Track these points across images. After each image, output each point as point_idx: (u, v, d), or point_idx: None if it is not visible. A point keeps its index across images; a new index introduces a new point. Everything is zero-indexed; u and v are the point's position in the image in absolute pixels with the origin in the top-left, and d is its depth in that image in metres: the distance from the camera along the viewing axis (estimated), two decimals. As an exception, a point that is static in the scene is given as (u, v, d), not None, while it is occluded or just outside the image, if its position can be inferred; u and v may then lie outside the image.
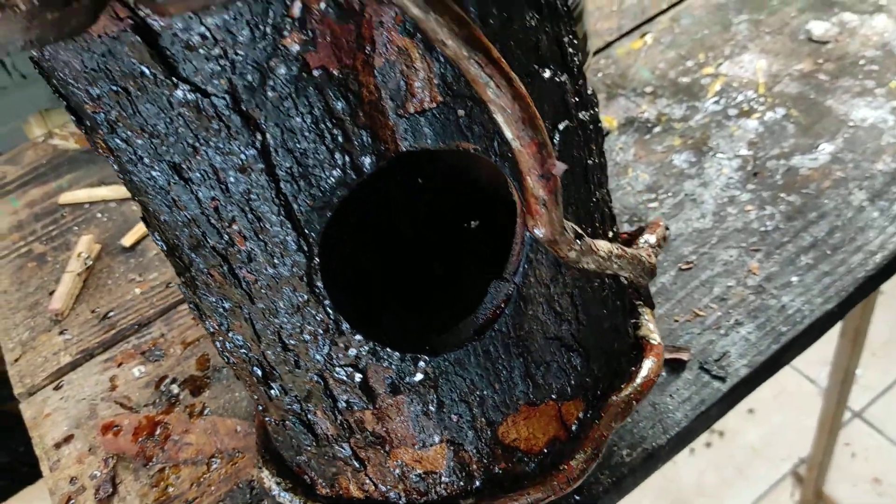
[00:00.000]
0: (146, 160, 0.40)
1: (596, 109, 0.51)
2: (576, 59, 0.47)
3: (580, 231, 0.45)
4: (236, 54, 0.35)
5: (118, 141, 0.40)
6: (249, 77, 0.36)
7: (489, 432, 0.52)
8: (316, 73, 0.36)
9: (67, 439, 0.70)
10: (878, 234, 0.66)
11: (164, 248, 0.47)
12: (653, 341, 0.59)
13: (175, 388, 0.71)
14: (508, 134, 0.36)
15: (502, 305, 0.48)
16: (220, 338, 0.51)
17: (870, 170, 0.71)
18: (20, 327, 0.80)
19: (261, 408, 0.56)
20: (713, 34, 0.88)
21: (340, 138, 0.38)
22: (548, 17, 0.43)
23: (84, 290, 0.81)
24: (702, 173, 0.75)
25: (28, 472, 1.43)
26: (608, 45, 0.91)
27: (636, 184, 0.76)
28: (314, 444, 0.53)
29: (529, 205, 0.40)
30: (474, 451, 0.52)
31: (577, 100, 0.47)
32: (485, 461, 0.53)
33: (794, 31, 0.86)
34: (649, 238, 0.61)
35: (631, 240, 0.64)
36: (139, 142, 0.39)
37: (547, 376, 0.52)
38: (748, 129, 0.77)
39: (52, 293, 0.81)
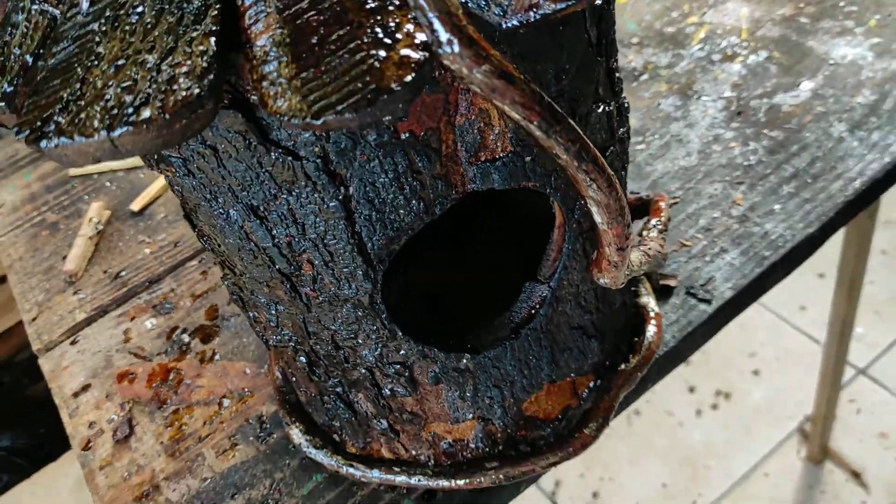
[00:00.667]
0: (221, 200, 0.42)
1: (628, 121, 0.53)
2: (620, 80, 0.50)
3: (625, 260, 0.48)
4: None
5: (193, 182, 0.42)
6: (342, 144, 0.38)
7: (515, 409, 0.55)
8: (403, 136, 0.38)
9: (85, 388, 0.73)
10: (858, 161, 0.68)
11: (214, 251, 0.49)
12: (651, 310, 0.62)
13: (186, 338, 0.74)
14: (599, 219, 0.39)
15: (538, 306, 0.51)
16: (263, 326, 0.53)
17: (850, 103, 0.73)
18: (36, 290, 0.83)
19: (294, 380, 0.58)
20: (697, -15, 0.91)
21: (418, 188, 0.41)
22: (605, 54, 0.45)
23: (96, 252, 0.84)
24: (687, 115, 0.77)
25: (46, 454, 1.47)
26: (595, 0, 0.93)
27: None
28: (353, 417, 0.56)
29: (601, 262, 0.44)
30: (500, 424, 0.55)
31: (618, 119, 0.50)
32: (508, 431, 0.56)
33: (776, -22, 0.88)
34: (657, 223, 0.62)
35: (635, 209, 0.66)
36: (218, 186, 0.41)
37: (569, 360, 0.55)
38: (732, 73, 0.80)
39: (65, 257, 0.84)
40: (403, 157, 0.39)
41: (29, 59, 0.35)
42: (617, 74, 0.48)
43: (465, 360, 0.50)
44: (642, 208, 0.64)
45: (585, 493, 1.52)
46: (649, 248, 0.53)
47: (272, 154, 0.38)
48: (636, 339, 0.60)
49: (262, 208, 0.41)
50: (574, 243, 0.49)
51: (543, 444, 0.57)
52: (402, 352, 0.49)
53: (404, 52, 0.30)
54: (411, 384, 0.51)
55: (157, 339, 0.75)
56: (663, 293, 0.65)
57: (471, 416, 0.54)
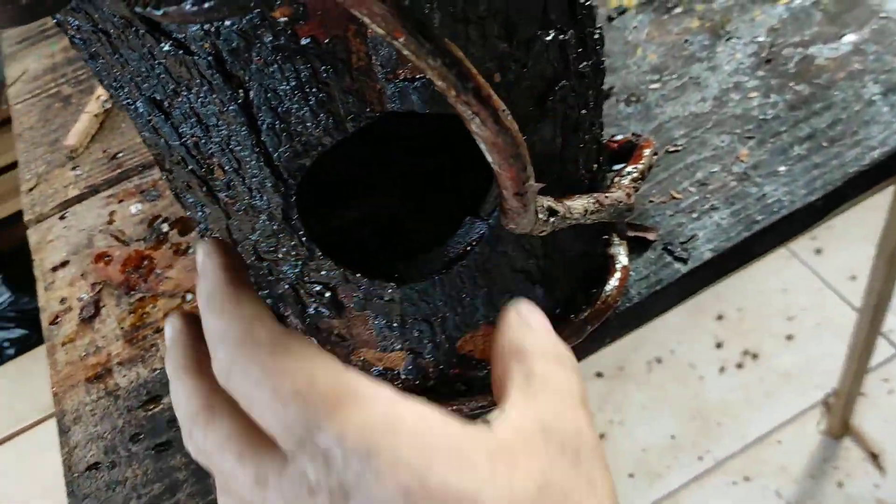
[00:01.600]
0: (126, 90, 0.40)
1: (599, 54, 0.48)
2: (587, 6, 0.45)
3: (554, 206, 0.44)
4: (221, 22, 0.33)
5: (96, 66, 0.40)
6: (234, 43, 0.34)
7: (447, 346, 0.53)
8: (304, 41, 0.35)
9: (64, 264, 0.74)
10: (883, 129, 0.62)
11: (145, 143, 0.47)
12: (619, 263, 0.58)
13: (165, 227, 0.74)
14: (490, 159, 0.35)
15: (473, 243, 0.48)
16: (199, 227, 0.52)
17: (891, 63, 0.66)
18: (39, 161, 0.84)
19: None
20: (758, -86, 0.82)
21: (326, 100, 0.37)
22: None
23: (99, 131, 0.85)
24: (713, 57, 0.71)
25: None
26: (645, -80, 0.86)
27: (643, 64, 0.72)
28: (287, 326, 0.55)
29: (504, 209, 0.40)
30: (432, 359, 0.53)
31: (581, 50, 0.45)
32: (441, 367, 0.54)
33: (847, -86, 0.79)
34: (632, 171, 0.57)
35: (620, 153, 0.61)
36: (120, 75, 0.39)
37: (508, 303, 0.52)
38: (772, 15, 0.73)
39: (70, 131, 0.84)
40: (306, 65, 0.36)
41: None
42: (583, 0, 0.44)
43: (389, 291, 0.48)
44: (627, 152, 0.60)
45: (592, 432, 1.51)
46: (607, 196, 0.49)
47: (163, 45, 0.36)
48: (594, 290, 0.57)
49: (165, 103, 0.39)
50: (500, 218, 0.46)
51: (478, 382, 0.55)
52: (323, 272, 0.47)
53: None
54: (336, 307, 0.50)
55: (138, 225, 0.75)
56: (639, 246, 0.61)
57: (399, 346, 0.53)
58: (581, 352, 0.59)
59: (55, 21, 0.39)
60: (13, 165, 1.65)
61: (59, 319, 0.70)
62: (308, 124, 0.39)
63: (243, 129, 0.39)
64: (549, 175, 0.47)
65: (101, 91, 0.86)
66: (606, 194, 0.50)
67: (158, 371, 0.64)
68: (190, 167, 0.43)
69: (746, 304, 1.59)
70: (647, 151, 0.57)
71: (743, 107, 0.67)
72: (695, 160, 0.64)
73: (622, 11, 0.77)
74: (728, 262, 0.60)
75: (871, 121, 0.63)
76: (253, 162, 0.41)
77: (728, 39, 0.72)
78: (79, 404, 0.64)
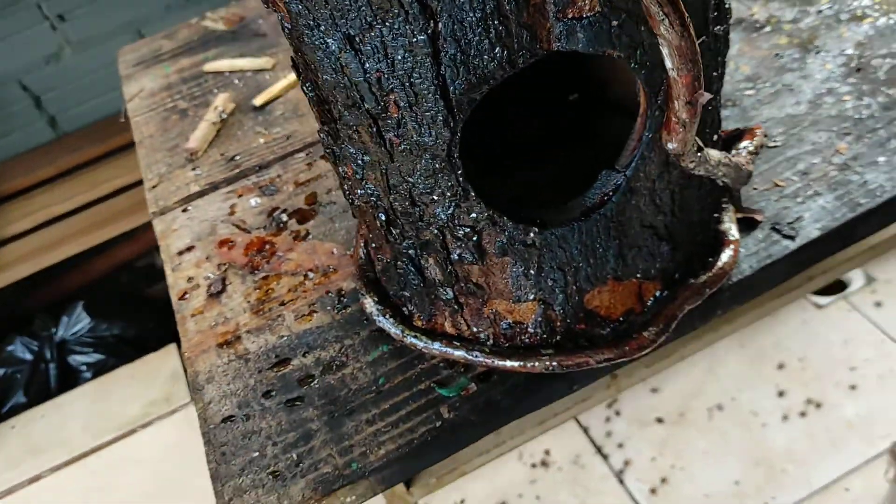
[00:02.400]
0: (322, 27, 0.45)
1: (729, 22, 0.54)
2: None
3: (701, 144, 0.49)
4: None
5: (299, 6, 0.45)
6: None
7: (577, 298, 0.57)
8: None
9: (189, 249, 0.79)
10: (977, 124, 0.66)
11: (314, 98, 0.53)
12: (731, 236, 0.62)
13: (284, 217, 0.79)
14: (669, 64, 0.41)
15: (610, 193, 0.52)
16: (351, 183, 0.57)
17: (979, 69, 0.70)
18: (160, 163, 0.90)
19: (374, 245, 0.62)
20: (837, -52, 0.89)
21: (504, 34, 0.43)
22: None
23: (216, 138, 0.91)
24: (804, 67, 0.76)
25: (151, 346, 1.58)
26: (729, -44, 0.93)
27: (736, 74, 0.78)
28: (421, 284, 0.59)
29: (670, 122, 0.45)
30: (560, 311, 0.57)
31: (716, 14, 0.51)
32: (568, 320, 0.58)
33: (923, -53, 0.85)
34: (748, 145, 0.62)
35: (730, 140, 0.66)
36: (320, 11, 0.44)
37: (636, 258, 0.56)
38: (857, 32, 0.78)
39: (189, 138, 0.91)
40: (493, -4, 0.42)
41: None
42: (721, -30, 0.49)
43: (532, 234, 0.52)
44: (735, 141, 0.64)
45: (654, 477, 1.50)
46: (732, 157, 0.53)
47: None
48: (710, 259, 0.60)
49: (357, 38, 0.45)
50: (654, 131, 0.50)
51: (601, 341, 0.58)
52: (472, 214, 0.52)
53: None
54: (478, 251, 0.54)
55: (258, 216, 0.80)
56: (747, 226, 0.64)
57: (532, 297, 0.56)
58: (694, 322, 0.62)
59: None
60: (92, 203, 1.73)
61: (187, 295, 0.74)
62: (485, 57, 0.44)
63: (427, 59, 0.44)
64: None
65: (217, 102, 0.93)
66: (731, 156, 0.54)
67: (286, 337, 0.68)
68: (366, 106, 0.48)
69: (808, 354, 1.60)
70: (758, 132, 0.62)
71: (838, 108, 0.71)
72: (795, 153, 0.69)
73: (713, 31, 0.83)
74: (834, 242, 0.63)
75: (964, 117, 0.67)
76: (430, 95, 0.46)
77: (817, 53, 0.77)
78: (211, 366, 0.67)
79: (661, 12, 0.36)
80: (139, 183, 1.76)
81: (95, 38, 1.78)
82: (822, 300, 1.68)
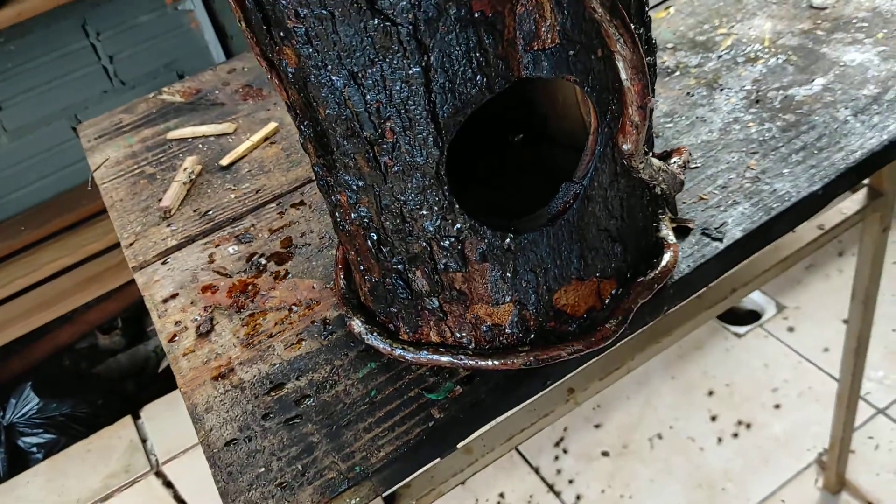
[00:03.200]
0: (329, 67, 0.53)
1: (656, 55, 0.65)
2: (648, 15, 0.62)
3: (646, 149, 0.59)
4: None
5: (310, 50, 0.53)
6: (430, 14, 0.49)
7: (547, 297, 0.65)
8: (476, 14, 0.50)
9: (173, 296, 0.84)
10: (859, 138, 0.78)
11: (311, 135, 0.61)
12: (669, 241, 0.72)
13: (263, 261, 0.85)
14: (624, 75, 0.51)
15: (571, 201, 0.62)
16: (343, 210, 0.64)
17: (855, 95, 0.84)
18: (134, 223, 0.95)
19: (362, 268, 0.69)
20: (727, 5, 1.03)
21: (484, 64, 0.53)
22: None
23: (188, 196, 0.97)
24: (712, 102, 0.88)
25: (102, 422, 1.57)
26: (637, 15, 1.06)
27: (656, 111, 0.89)
28: (409, 297, 0.67)
29: (625, 126, 0.55)
30: (534, 310, 0.65)
31: (647, 47, 0.62)
32: (540, 319, 0.66)
33: (798, 1, 1.00)
34: (678, 160, 0.73)
35: (661, 159, 0.77)
36: (328, 53, 0.52)
37: (595, 259, 0.65)
38: (753, 71, 0.91)
39: (160, 199, 0.97)
40: (475, 33, 0.51)
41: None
42: (647, 8, 0.60)
43: (508, 240, 0.61)
44: (668, 156, 0.75)
45: (605, 508, 1.57)
46: (668, 165, 0.63)
47: (375, 19, 0.50)
48: (655, 260, 0.70)
49: (360, 74, 0.53)
50: (605, 146, 0.60)
51: (569, 336, 0.67)
52: (457, 225, 0.60)
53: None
54: (462, 259, 0.62)
55: (237, 262, 0.86)
56: (681, 233, 0.74)
57: (509, 298, 0.64)
58: (646, 316, 0.71)
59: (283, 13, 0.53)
60: (33, 286, 1.74)
61: (176, 337, 0.79)
62: (469, 84, 0.53)
63: (421, 88, 0.53)
64: (627, 146, 0.62)
65: (186, 164, 0.99)
66: (666, 165, 0.64)
67: (278, 365, 0.73)
68: (365, 134, 0.56)
69: (733, 380, 1.72)
70: (683, 151, 0.73)
71: (744, 133, 0.83)
72: (713, 172, 0.80)
73: (631, 78, 0.95)
74: (754, 241, 0.74)
75: (848, 133, 0.79)
76: (422, 119, 0.54)
77: (722, 90, 0.90)
78: (208, 397, 0.72)
79: (616, 33, 0.46)
80: (79, 263, 1.78)
81: (31, 126, 1.81)
82: (741, 329, 1.81)
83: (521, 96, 0.80)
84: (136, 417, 1.57)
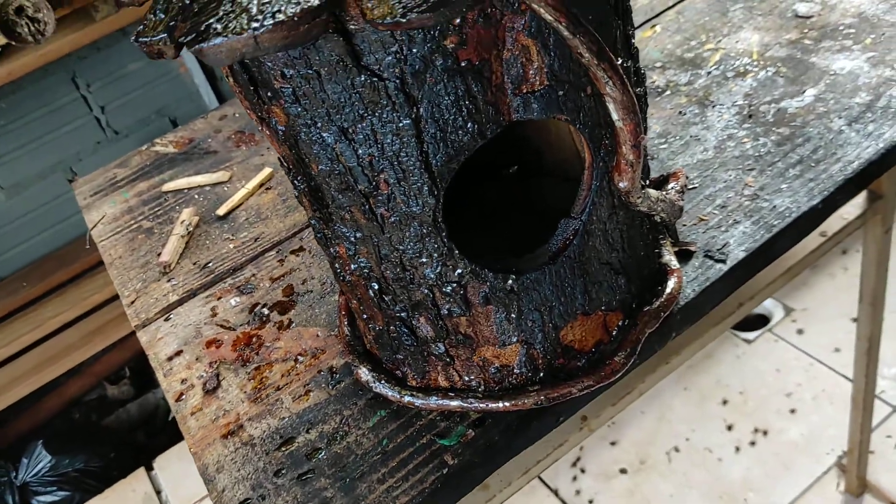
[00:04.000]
0: (319, 124, 0.53)
1: (645, 85, 0.65)
2: (635, 46, 0.62)
3: (643, 183, 0.58)
4: (409, 51, 0.48)
5: (298, 109, 0.53)
6: (416, 66, 0.49)
7: (554, 335, 0.64)
8: (463, 63, 0.50)
9: (178, 353, 0.83)
10: (855, 148, 0.78)
11: (306, 190, 0.60)
12: (673, 266, 0.71)
13: (265, 311, 0.85)
14: (615, 115, 0.50)
15: (571, 237, 0.61)
16: (342, 261, 0.64)
17: (848, 103, 0.83)
18: (134, 280, 0.95)
19: (365, 316, 0.69)
20: (713, 20, 1.03)
21: (474, 111, 0.52)
22: (621, 17, 0.57)
23: (186, 249, 0.97)
24: (704, 120, 0.88)
25: (115, 475, 1.56)
26: (623, 36, 1.06)
27: (649, 133, 0.89)
28: (414, 344, 0.66)
29: (619, 164, 0.54)
30: (541, 349, 0.65)
31: (636, 79, 0.61)
32: (548, 357, 0.65)
33: (783, 11, 1.00)
34: (675, 185, 0.73)
35: (657, 185, 0.76)
36: (317, 110, 0.52)
37: (599, 292, 0.65)
38: (744, 86, 0.91)
39: (159, 254, 0.96)
40: (462, 82, 0.51)
41: (186, 1, 0.48)
42: (633, 41, 0.60)
43: (510, 281, 0.60)
44: (664, 181, 0.74)
45: (628, 527, 1.56)
46: (666, 194, 0.63)
47: (362, 76, 0.49)
48: (659, 287, 0.69)
49: (350, 130, 0.53)
50: (601, 180, 0.60)
51: (579, 372, 0.66)
52: (458, 270, 0.59)
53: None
54: (465, 304, 0.61)
55: (240, 314, 0.86)
56: (684, 256, 0.74)
57: (515, 339, 0.64)
58: (654, 345, 0.71)
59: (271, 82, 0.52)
60: (38, 342, 1.73)
61: (183, 396, 0.79)
62: (460, 132, 0.53)
63: (412, 140, 0.52)
64: (622, 178, 0.61)
65: (183, 216, 0.99)
66: (667, 194, 0.63)
67: (287, 418, 0.73)
68: (360, 187, 0.56)
69: (746, 387, 1.71)
70: (680, 174, 0.72)
71: (739, 150, 0.83)
72: (711, 192, 0.79)
73: (622, 100, 0.95)
74: (758, 260, 0.73)
75: (844, 144, 0.79)
76: (415, 169, 0.54)
77: (714, 106, 0.89)
78: (219, 457, 0.72)
79: (605, 76, 0.45)
80: (83, 316, 1.77)
81: (27, 181, 1.82)
82: (750, 335, 1.80)
83: (513, 130, 0.80)
84: (150, 469, 1.56)
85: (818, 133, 0.81)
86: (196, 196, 1.05)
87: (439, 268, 0.59)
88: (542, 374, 0.66)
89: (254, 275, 0.90)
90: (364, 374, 0.71)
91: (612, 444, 1.70)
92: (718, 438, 1.64)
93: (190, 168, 1.11)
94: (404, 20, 0.42)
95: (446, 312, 0.62)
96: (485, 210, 0.83)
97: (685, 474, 1.60)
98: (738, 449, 1.61)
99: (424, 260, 0.59)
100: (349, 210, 0.58)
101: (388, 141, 0.53)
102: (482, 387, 0.67)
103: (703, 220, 0.77)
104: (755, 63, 0.93)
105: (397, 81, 0.50)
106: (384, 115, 0.52)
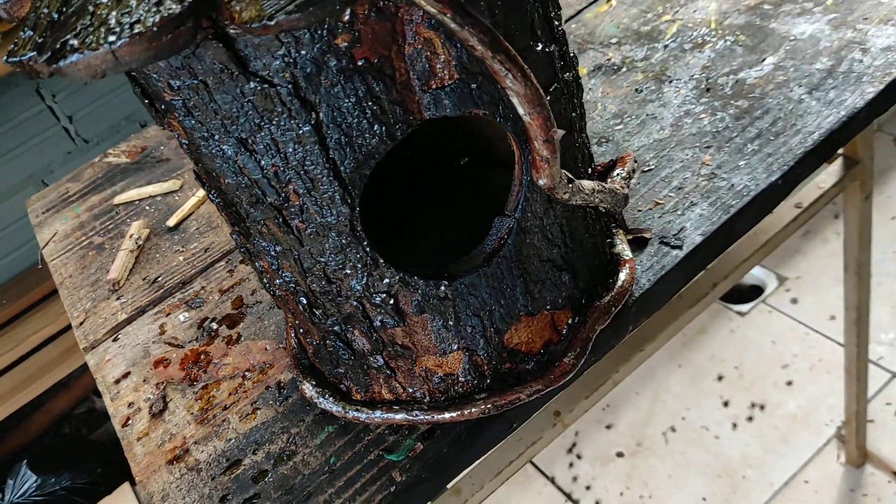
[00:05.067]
0: (217, 136, 0.49)
1: (577, 70, 0.60)
2: (560, 29, 0.57)
3: (570, 176, 0.54)
4: (298, 53, 0.44)
5: (192, 122, 0.49)
6: (308, 69, 0.45)
7: (497, 339, 0.61)
8: (360, 62, 0.46)
9: (125, 375, 0.80)
10: (816, 118, 0.74)
11: (221, 203, 0.57)
12: (625, 257, 0.67)
13: (214, 325, 0.82)
14: (521, 111, 0.46)
15: (506, 236, 0.58)
16: (268, 276, 0.60)
17: (808, 70, 0.79)
18: (84, 300, 0.92)
19: (302, 331, 0.65)
20: (670, -11, 0.99)
21: (379, 112, 0.48)
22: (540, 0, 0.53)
23: (136, 264, 0.93)
24: (661, 97, 0.84)
25: (103, 491, 1.54)
26: (578, 12, 1.02)
27: (604, 113, 0.85)
28: (352, 358, 0.63)
29: (535, 161, 0.50)
30: (485, 355, 0.61)
31: (563, 63, 0.57)
32: (493, 363, 0.62)
33: (742, -24, 0.95)
34: (621, 172, 0.69)
35: (605, 171, 0.72)
36: (212, 122, 0.49)
37: (542, 291, 0.61)
38: (701, 58, 0.86)
39: (108, 271, 0.93)
40: (362, 82, 0.47)
41: (55, 15, 0.44)
42: (557, 23, 0.56)
43: (443, 287, 0.57)
44: (612, 167, 0.70)
45: (626, 511, 1.53)
46: (605, 185, 0.59)
47: (251, 83, 0.46)
48: (611, 280, 0.65)
49: (250, 140, 0.49)
50: (531, 174, 0.56)
51: (528, 375, 0.63)
52: (385, 280, 0.56)
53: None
54: (398, 314, 0.58)
55: (189, 330, 0.82)
56: (638, 244, 0.70)
57: (456, 346, 0.60)
58: (610, 340, 0.67)
59: (158, 92, 0.49)
60: (21, 359, 1.71)
61: (130, 421, 0.76)
62: (367, 135, 0.49)
63: (315, 147, 0.49)
64: (556, 170, 0.58)
65: (132, 230, 0.96)
66: (604, 183, 0.60)
67: (233, 439, 0.70)
68: (269, 200, 0.52)
69: (742, 361, 1.67)
70: (628, 159, 0.68)
71: (697, 126, 0.79)
72: (667, 173, 0.75)
73: (577, 80, 0.91)
74: (716, 244, 0.70)
75: (804, 113, 0.75)
76: (324, 178, 0.50)
77: (670, 82, 0.85)
78: (164, 485, 0.69)
79: (503, 69, 0.41)
80: (65, 329, 1.75)
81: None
82: (743, 308, 1.76)
83: (461, 122, 0.76)
84: (134, 483, 1.54)
85: (777, 104, 0.77)
86: (147, 207, 1.02)
87: (365, 279, 0.56)
88: (488, 381, 0.62)
89: (203, 287, 0.87)
90: (308, 389, 0.68)
91: (608, 427, 1.67)
92: (715, 415, 1.60)
93: (142, 178, 1.08)
94: (272, 23, 0.38)
95: (379, 324, 0.59)
96: (439, 203, 0.79)
97: (683, 454, 1.57)
98: (735, 425, 1.58)
99: (348, 271, 0.55)
100: (265, 224, 0.55)
101: (291, 150, 0.49)
102: (427, 398, 0.63)
103: (658, 203, 0.73)
104: (713, 33, 0.89)
105: (289, 87, 0.46)
106: (282, 123, 0.48)
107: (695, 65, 0.86)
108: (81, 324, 0.89)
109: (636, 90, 0.86)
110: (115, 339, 0.85)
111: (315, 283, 0.57)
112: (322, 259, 0.55)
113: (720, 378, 1.66)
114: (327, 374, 0.67)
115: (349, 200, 0.51)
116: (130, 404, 0.77)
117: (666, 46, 0.90)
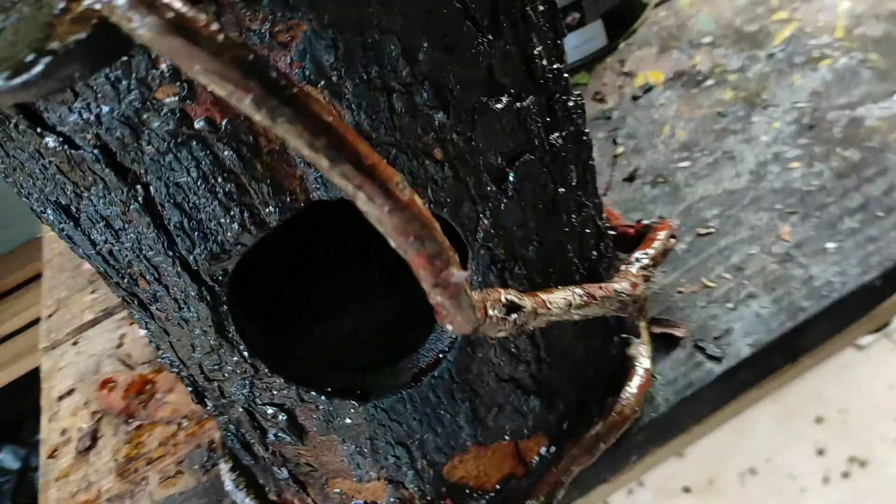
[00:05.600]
0: (34, 196, 0.36)
1: (579, 123, 0.43)
2: (554, 69, 0.40)
3: (517, 301, 0.36)
4: (100, 108, 0.30)
5: (9, 179, 0.37)
6: (118, 132, 0.31)
7: (431, 473, 0.46)
8: (198, 125, 0.31)
9: (70, 392, 0.71)
10: (951, 193, 0.53)
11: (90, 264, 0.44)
12: (639, 364, 0.50)
13: (170, 348, 0.70)
14: (392, 244, 0.28)
15: (446, 350, 0.42)
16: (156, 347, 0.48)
17: (954, 118, 0.57)
18: (61, 287, 0.83)
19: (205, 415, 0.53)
20: (792, -23, 0.76)
21: (236, 192, 0.34)
22: (509, 34, 0.36)
23: (119, 253, 0.83)
24: (748, 128, 0.64)
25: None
26: (671, -4, 0.81)
27: (671, 141, 0.66)
28: (253, 462, 0.50)
29: (433, 306, 0.33)
30: (416, 488, 0.47)
31: (548, 120, 0.40)
32: (428, 498, 0.47)
33: (892, -34, 0.72)
34: (642, 257, 0.50)
35: (635, 237, 0.54)
36: (25, 181, 0.36)
37: (499, 418, 0.45)
38: (813, 78, 0.65)
39: (92, 256, 0.83)
40: (205, 151, 0.32)
41: None
42: (544, 62, 0.38)
43: (352, 410, 0.42)
44: (641, 238, 0.52)
45: (684, 556, 1.36)
46: (601, 288, 0.41)
47: (47, 140, 0.32)
48: (608, 399, 0.48)
49: (72, 208, 0.35)
50: (486, 275, 0.39)
51: (478, 516, 0.47)
52: (274, 392, 0.41)
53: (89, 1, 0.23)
54: (296, 431, 0.43)
55: (145, 348, 0.72)
56: (665, 342, 0.52)
57: (375, 475, 0.45)
58: (602, 473, 0.51)
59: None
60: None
61: (56, 453, 0.66)
62: (221, 220, 0.34)
63: (150, 230, 0.35)
64: (527, 265, 0.41)
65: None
66: (601, 285, 0.42)
67: (145, 507, 0.59)
68: (114, 280, 0.39)
69: (849, 404, 1.43)
70: (661, 234, 0.50)
71: (783, 179, 0.59)
72: (729, 242, 0.56)
73: (648, 89, 0.71)
74: (771, 359, 0.51)
75: (935, 184, 0.54)
76: (169, 268, 0.36)
77: (765, 108, 0.65)
78: (63, 546, 0.59)
79: (349, 186, 0.25)
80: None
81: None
82: (863, 340, 1.51)
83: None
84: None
85: (901, 163, 0.56)
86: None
87: (247, 387, 0.42)
88: (423, 516, 0.48)
89: (173, 297, 0.75)
90: (224, 472, 0.55)
91: (678, 456, 1.48)
92: (805, 464, 1.39)
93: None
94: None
95: (273, 438, 0.45)
96: (367, 277, 0.62)
97: (760, 502, 1.37)
98: (826, 479, 1.36)
99: (226, 375, 0.42)
100: (126, 302, 0.42)
101: (119, 227, 0.35)
102: (348, 520, 0.49)
103: (706, 286, 0.55)
104: (836, 44, 0.67)
105: (96, 151, 0.32)
106: (102, 196, 0.34)
107: (802, 88, 0.65)
108: (50, 316, 0.80)
109: (719, 113, 0.66)
110: (75, 343, 0.76)
111: (197, 375, 0.44)
112: (194, 355, 0.41)
113: (819, 420, 1.43)
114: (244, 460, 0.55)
115: (209, 299, 0.37)
116: (64, 431, 0.68)
117: (771, 56, 0.69)
